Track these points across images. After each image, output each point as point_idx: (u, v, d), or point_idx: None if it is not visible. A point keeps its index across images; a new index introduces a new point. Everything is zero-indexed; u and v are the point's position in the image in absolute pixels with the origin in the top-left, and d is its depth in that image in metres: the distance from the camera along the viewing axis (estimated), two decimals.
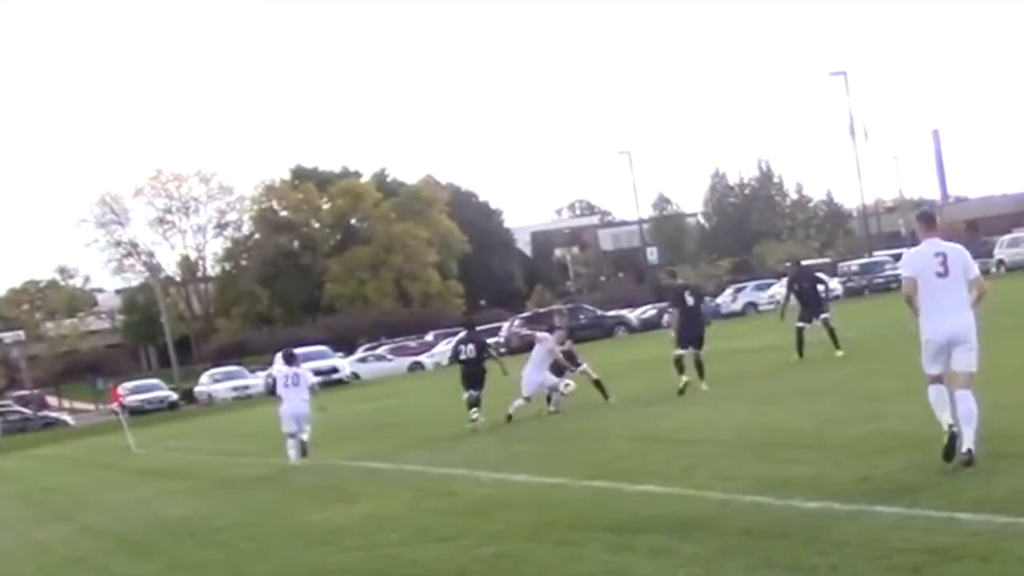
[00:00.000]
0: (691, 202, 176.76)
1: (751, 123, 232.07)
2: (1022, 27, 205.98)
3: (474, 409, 26.37)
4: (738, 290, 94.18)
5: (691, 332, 26.58)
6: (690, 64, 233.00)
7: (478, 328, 30.93)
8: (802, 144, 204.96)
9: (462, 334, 29.07)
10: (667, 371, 26.82)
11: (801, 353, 29.37)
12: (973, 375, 13.07)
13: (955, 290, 13.19)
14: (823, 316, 29.66)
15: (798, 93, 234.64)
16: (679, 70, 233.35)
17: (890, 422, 16.08)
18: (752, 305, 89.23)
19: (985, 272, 54.49)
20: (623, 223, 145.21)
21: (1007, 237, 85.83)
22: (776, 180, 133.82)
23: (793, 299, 30.95)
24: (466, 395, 26.90)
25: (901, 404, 15.90)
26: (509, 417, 26.02)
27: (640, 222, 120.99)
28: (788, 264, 28.94)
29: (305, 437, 25.24)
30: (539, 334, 28.26)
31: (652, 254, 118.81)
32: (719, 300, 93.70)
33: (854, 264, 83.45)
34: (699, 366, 26.34)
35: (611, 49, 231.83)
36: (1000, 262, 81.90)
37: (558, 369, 26.98)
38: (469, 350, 27.51)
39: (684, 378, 25.96)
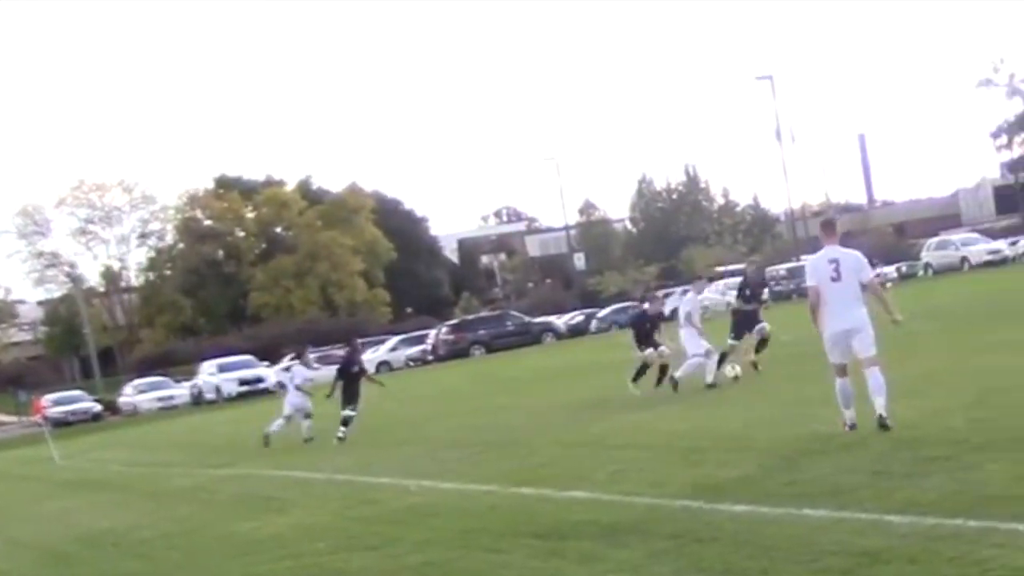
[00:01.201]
0: (618, 208, 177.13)
1: (677, 128, 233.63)
2: (947, 32, 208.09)
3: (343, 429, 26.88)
4: (666, 295, 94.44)
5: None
6: (616, 70, 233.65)
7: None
8: (729, 149, 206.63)
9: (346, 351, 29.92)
10: (595, 376, 26.83)
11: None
12: (875, 356, 15.06)
13: (848, 292, 15.14)
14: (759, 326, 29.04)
15: (724, 98, 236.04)
16: (605, 76, 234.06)
17: (818, 425, 16.15)
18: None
19: (912, 275, 55.00)
20: (550, 229, 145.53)
21: (934, 240, 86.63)
22: (703, 185, 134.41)
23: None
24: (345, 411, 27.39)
25: (829, 408, 15.96)
26: (674, 383, 25.56)
27: (567, 228, 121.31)
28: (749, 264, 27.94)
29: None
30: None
31: (579, 260, 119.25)
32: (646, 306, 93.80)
33: (782, 268, 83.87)
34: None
35: (537, 55, 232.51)
36: (927, 265, 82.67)
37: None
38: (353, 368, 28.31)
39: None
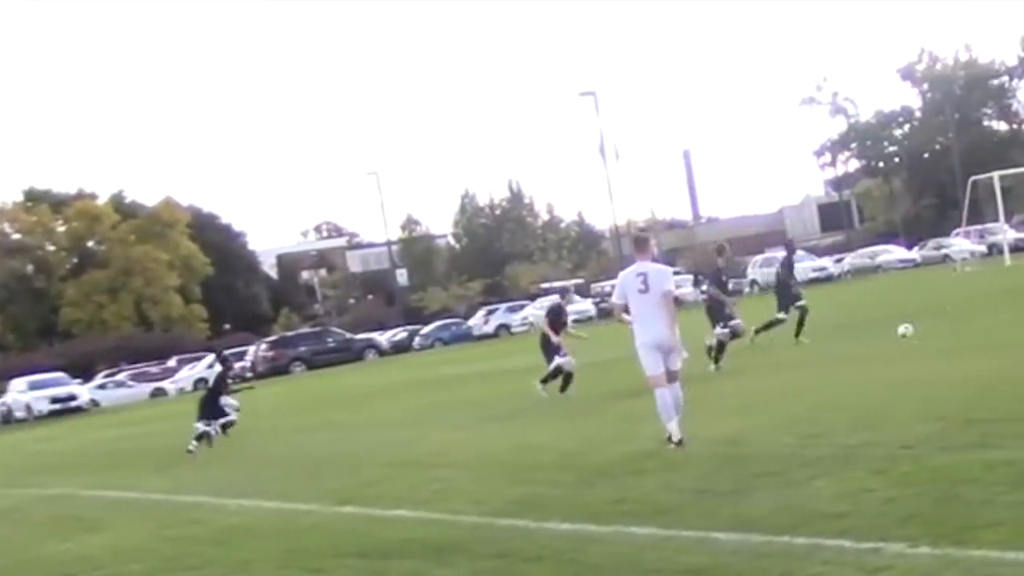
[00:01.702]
0: (441, 223, 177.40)
1: (501, 144, 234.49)
2: (771, 50, 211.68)
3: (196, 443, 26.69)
4: (490, 312, 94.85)
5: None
6: (438, 84, 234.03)
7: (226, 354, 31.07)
8: (553, 165, 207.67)
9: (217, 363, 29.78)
10: (418, 394, 26.79)
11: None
12: (678, 372, 16.00)
13: (655, 304, 15.79)
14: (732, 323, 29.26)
15: (548, 114, 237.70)
16: (427, 90, 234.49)
17: (644, 443, 16.25)
18: (505, 327, 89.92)
19: (738, 292, 55.68)
20: (371, 245, 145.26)
21: (760, 257, 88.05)
22: (527, 201, 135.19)
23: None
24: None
25: (655, 425, 16.09)
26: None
27: (389, 243, 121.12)
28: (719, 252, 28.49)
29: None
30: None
31: (402, 276, 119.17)
32: (471, 322, 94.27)
33: (607, 285, 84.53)
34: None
35: (358, 68, 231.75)
36: (753, 282, 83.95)
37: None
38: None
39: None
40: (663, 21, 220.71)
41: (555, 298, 29.17)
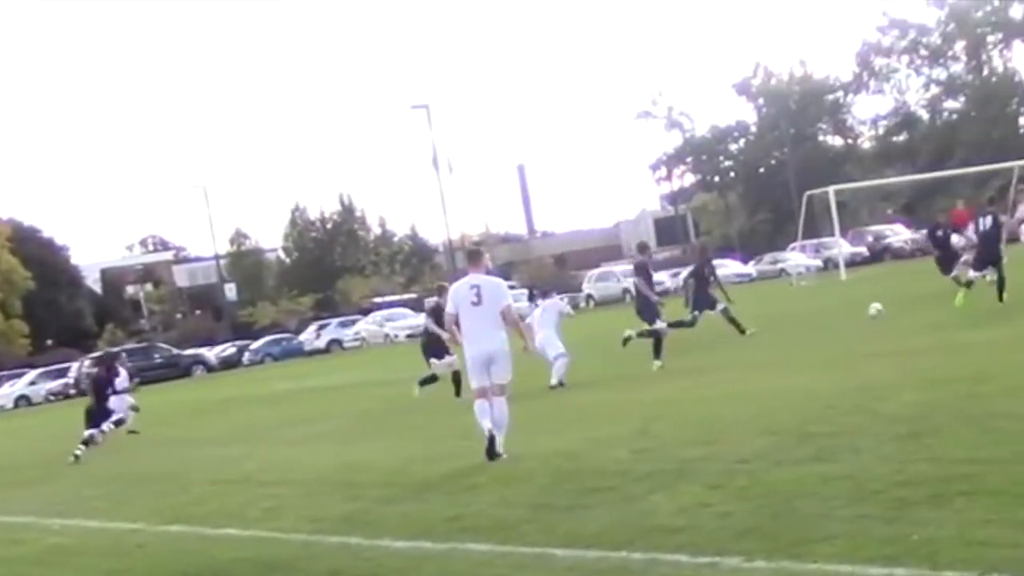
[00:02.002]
0: (271, 237, 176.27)
1: (333, 158, 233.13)
2: (606, 64, 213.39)
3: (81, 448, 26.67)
4: (322, 327, 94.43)
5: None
6: (268, 97, 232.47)
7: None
8: (386, 179, 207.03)
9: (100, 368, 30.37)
10: (247, 410, 26.57)
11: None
12: (506, 385, 16.29)
13: (488, 316, 16.15)
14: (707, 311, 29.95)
15: (381, 127, 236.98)
16: (256, 103, 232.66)
17: (478, 459, 16.28)
18: (337, 342, 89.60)
19: (575, 307, 56.02)
20: (199, 259, 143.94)
21: (595, 272, 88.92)
22: (359, 215, 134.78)
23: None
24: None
25: (483, 440, 16.17)
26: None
27: (217, 258, 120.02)
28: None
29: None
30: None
31: (231, 291, 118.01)
32: (302, 337, 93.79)
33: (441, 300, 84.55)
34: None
35: (183, 81, 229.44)
36: (589, 296, 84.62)
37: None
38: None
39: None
40: (497, 34, 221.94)
41: (435, 298, 29.22)
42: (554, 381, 25.68)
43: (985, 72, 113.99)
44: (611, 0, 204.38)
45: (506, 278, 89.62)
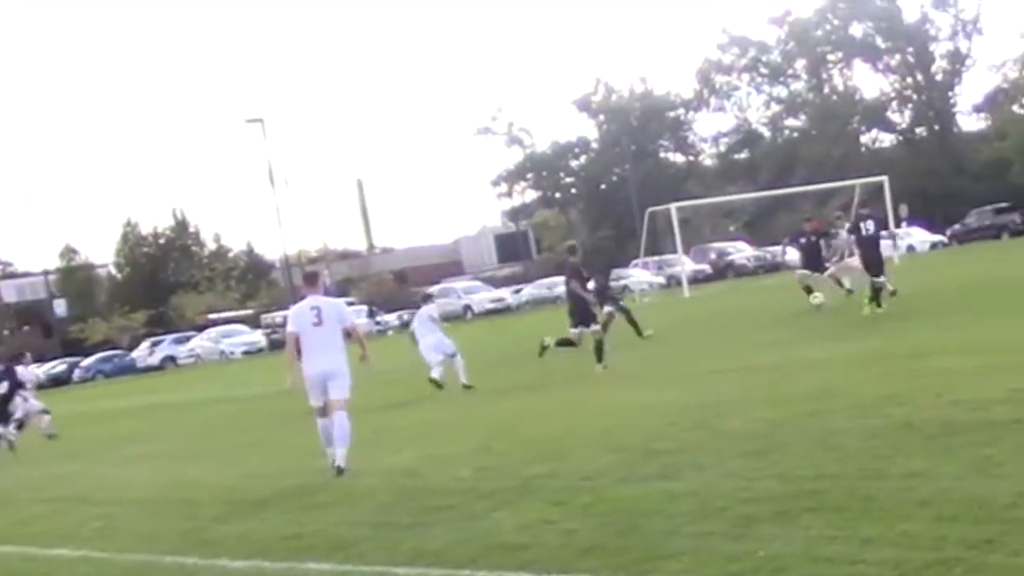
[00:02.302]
0: (102, 252, 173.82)
1: (166, 172, 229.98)
2: (446, 79, 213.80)
3: None
4: (155, 344, 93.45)
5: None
6: (99, 110, 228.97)
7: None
8: (221, 194, 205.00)
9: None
10: (80, 428, 26.20)
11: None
12: (345, 400, 16.66)
13: (328, 336, 16.74)
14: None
15: (215, 141, 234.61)
16: (86, 116, 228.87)
17: (318, 476, 16.20)
18: (171, 359, 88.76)
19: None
20: (27, 274, 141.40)
21: (435, 288, 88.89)
22: (193, 230, 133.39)
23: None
24: None
25: (324, 458, 16.12)
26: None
27: (46, 273, 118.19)
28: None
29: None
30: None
31: (60, 307, 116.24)
32: (135, 354, 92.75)
33: (278, 315, 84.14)
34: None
35: (11, 91, 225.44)
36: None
37: None
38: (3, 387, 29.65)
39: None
40: (335, 47, 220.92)
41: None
42: (464, 380, 26.83)
43: (826, 90, 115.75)
44: (450, 15, 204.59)
45: (344, 294, 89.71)
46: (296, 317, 17.10)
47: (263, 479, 17.32)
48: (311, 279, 17.91)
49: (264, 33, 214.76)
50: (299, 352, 16.79)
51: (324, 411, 16.70)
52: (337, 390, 16.64)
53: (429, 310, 28.87)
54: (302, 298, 17.81)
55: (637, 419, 17.42)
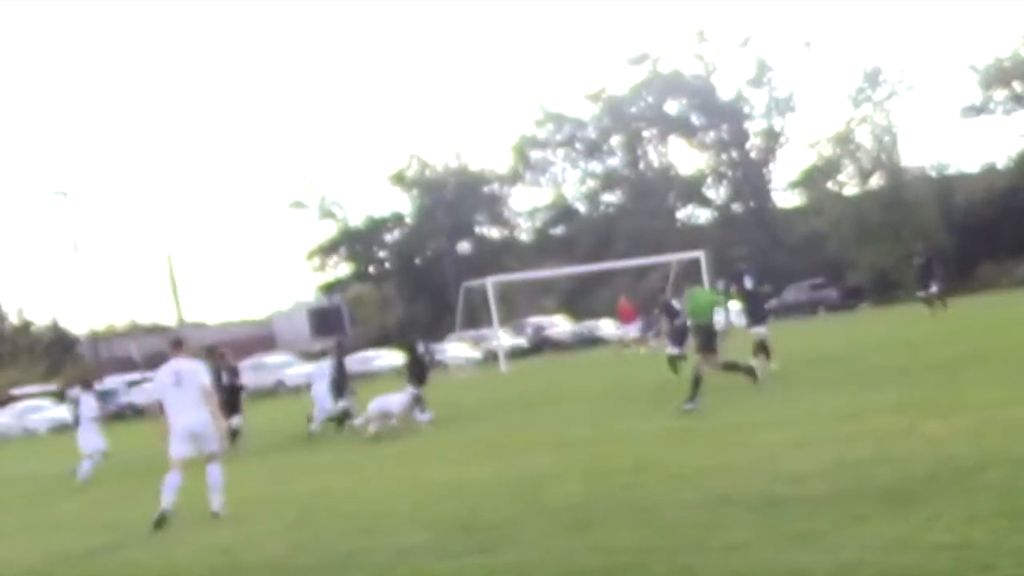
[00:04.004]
0: None
1: None
2: (257, 154, 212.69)
3: None
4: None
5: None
6: None
7: None
8: (25, 267, 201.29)
9: None
10: None
11: None
12: (216, 452, 18.45)
13: (189, 397, 18.34)
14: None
15: (19, 213, 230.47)
16: None
17: (133, 551, 15.93)
18: None
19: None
20: None
21: (249, 362, 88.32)
22: None
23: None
24: None
25: (141, 533, 15.83)
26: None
27: None
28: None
29: None
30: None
31: None
32: None
33: (76, 391, 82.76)
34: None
35: None
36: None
37: None
38: None
39: None
40: (143, 122, 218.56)
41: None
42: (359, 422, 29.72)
43: (642, 166, 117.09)
44: (260, 88, 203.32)
45: (153, 369, 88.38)
46: (159, 381, 18.90)
47: (74, 558, 16.95)
48: (176, 344, 19.30)
49: (73, 105, 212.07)
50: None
51: (180, 466, 18.20)
52: (207, 444, 18.41)
53: (326, 366, 33.38)
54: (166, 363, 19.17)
55: (454, 493, 17.37)
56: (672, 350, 34.71)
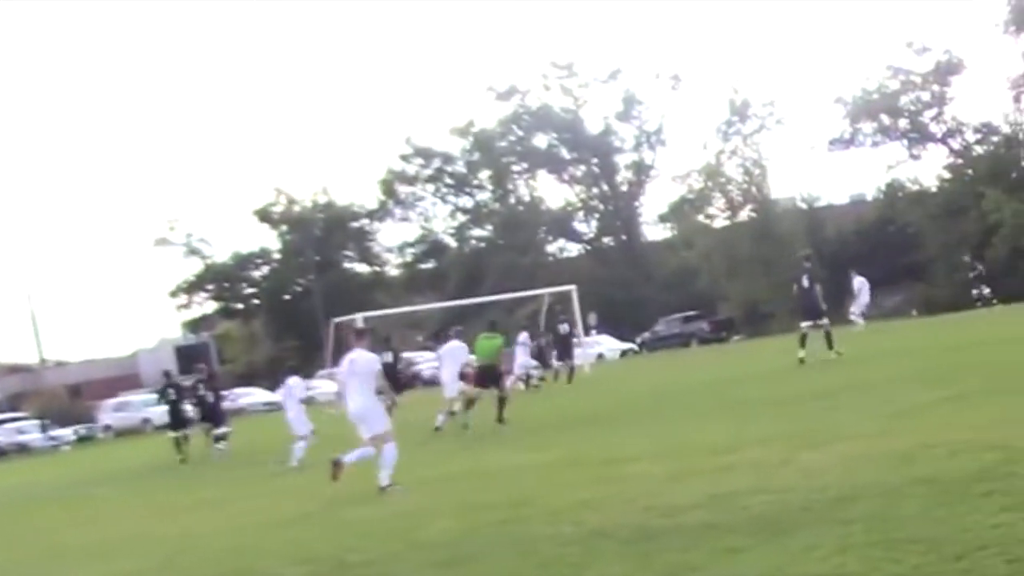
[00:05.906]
0: None
1: None
2: (121, 190, 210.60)
3: None
4: None
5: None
6: None
7: None
8: None
9: None
10: None
11: None
12: (380, 434, 20.54)
13: (357, 383, 20.72)
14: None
15: None
16: None
17: None
18: None
19: (91, 438, 55.56)
20: None
21: (113, 401, 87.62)
22: None
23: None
24: None
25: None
26: None
27: None
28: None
29: None
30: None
31: None
32: None
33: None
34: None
35: None
36: (108, 427, 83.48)
37: None
38: None
39: None
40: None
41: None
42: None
43: (511, 200, 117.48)
44: (123, 123, 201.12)
45: (15, 409, 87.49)
46: (339, 368, 21.56)
47: None
48: (359, 335, 22.27)
49: None
50: None
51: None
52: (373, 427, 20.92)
53: (301, 387, 34.23)
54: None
55: (327, 530, 17.26)
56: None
